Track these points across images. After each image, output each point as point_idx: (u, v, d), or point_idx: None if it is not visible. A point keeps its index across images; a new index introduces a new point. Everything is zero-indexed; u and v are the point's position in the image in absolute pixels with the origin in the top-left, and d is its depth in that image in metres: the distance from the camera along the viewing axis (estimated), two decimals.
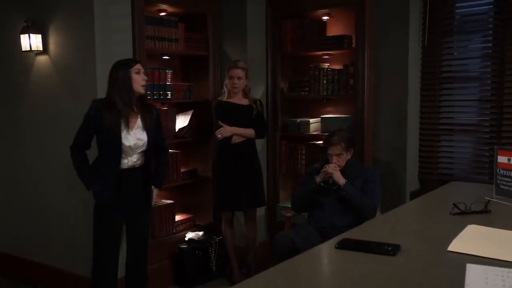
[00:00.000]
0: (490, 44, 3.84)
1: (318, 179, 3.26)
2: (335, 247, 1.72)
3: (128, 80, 2.81)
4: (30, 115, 3.85)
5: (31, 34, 3.54)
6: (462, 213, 2.14)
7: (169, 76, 3.95)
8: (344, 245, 1.73)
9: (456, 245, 1.68)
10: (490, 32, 3.84)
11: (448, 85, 4.03)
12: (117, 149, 2.82)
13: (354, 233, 1.95)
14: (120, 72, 2.82)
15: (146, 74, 3.02)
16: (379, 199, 3.27)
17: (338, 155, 3.24)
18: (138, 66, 2.88)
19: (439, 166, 4.09)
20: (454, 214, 2.14)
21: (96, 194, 2.89)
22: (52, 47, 3.61)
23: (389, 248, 1.65)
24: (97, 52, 3.33)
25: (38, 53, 3.67)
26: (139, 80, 2.86)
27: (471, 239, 1.77)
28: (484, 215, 2.16)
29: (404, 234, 1.92)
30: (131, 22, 3.53)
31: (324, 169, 3.22)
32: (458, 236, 1.77)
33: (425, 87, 4.09)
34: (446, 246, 1.69)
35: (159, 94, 3.89)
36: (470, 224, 1.94)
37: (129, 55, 3.49)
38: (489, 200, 2.24)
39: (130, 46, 3.53)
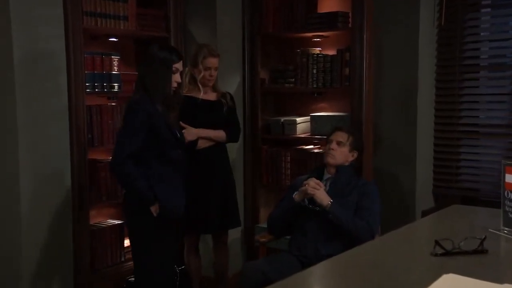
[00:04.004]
0: None
1: (296, 197, 3.14)
2: None
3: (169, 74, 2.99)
4: None
5: None
6: (447, 253, 1.99)
7: (115, 63, 3.75)
8: None
9: None
10: None
11: (471, 74, 3.95)
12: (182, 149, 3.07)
13: (289, 283, 1.82)
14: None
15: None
16: (377, 219, 3.14)
17: (340, 143, 3.20)
18: (178, 64, 3.02)
19: (459, 178, 4.01)
20: (436, 255, 1.99)
21: (170, 210, 2.95)
22: None
23: None
24: (14, 32, 3.13)
25: None
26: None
27: None
28: (477, 256, 1.99)
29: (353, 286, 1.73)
30: None
31: (303, 187, 3.09)
32: None
33: (441, 77, 4.03)
34: None
35: (103, 86, 3.67)
36: (449, 272, 1.75)
37: (59, 35, 3.33)
38: (485, 237, 2.04)
39: (61, 25, 3.35)
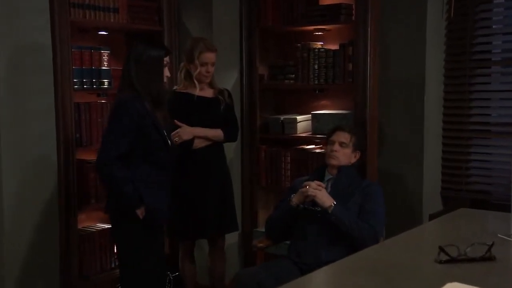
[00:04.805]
0: None
1: (294, 200, 3.13)
2: None
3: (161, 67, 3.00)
4: None
5: None
6: (452, 260, 1.99)
7: (105, 58, 3.76)
8: None
9: None
10: None
11: (482, 70, 3.93)
12: (169, 151, 3.04)
13: None
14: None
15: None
16: (382, 222, 3.14)
17: (342, 144, 3.21)
18: (167, 58, 3.05)
19: (469, 180, 3.97)
20: (441, 262, 2.00)
21: (155, 213, 2.95)
22: None
23: None
24: None
25: None
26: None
27: None
28: (484, 264, 1.99)
29: None
30: None
31: (302, 188, 3.07)
32: None
33: (450, 73, 4.00)
34: None
35: (92, 83, 3.69)
36: (453, 280, 1.75)
37: (45, 28, 3.35)
38: (493, 243, 2.02)
39: (47, 17, 3.37)
